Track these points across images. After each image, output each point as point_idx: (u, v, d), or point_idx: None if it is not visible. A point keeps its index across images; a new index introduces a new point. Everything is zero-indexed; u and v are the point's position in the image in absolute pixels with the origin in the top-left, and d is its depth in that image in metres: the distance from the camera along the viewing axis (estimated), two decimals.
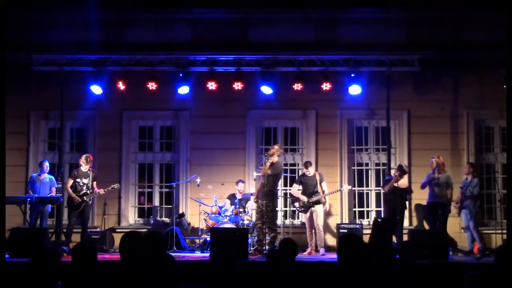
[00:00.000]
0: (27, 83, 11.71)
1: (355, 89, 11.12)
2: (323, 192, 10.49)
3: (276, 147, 10.07)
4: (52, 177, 10.79)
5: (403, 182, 10.35)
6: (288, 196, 11.50)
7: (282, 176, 10.87)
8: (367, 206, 12.00)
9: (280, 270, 5.14)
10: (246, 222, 10.46)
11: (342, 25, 11.78)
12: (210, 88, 11.17)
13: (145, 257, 4.67)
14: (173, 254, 8.23)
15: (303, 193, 10.45)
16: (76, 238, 10.34)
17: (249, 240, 9.65)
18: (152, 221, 12.07)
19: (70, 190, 10.32)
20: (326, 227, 11.14)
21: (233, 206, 10.61)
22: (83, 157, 10.49)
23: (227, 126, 11.89)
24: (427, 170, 10.48)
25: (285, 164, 11.88)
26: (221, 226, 10.17)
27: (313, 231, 10.34)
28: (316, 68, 11.20)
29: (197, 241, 10.98)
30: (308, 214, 10.41)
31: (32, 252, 4.61)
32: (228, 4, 11.72)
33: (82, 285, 4.26)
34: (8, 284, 4.56)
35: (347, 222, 11.59)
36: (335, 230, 11.18)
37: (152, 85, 11.15)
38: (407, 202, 10.60)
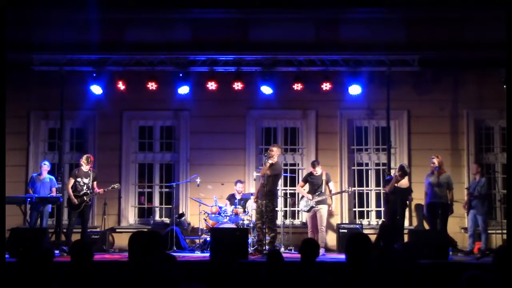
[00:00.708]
0: (27, 83, 11.71)
1: (355, 89, 11.12)
2: (330, 192, 10.49)
3: (274, 149, 10.08)
4: (53, 177, 10.80)
5: (404, 182, 10.36)
6: (288, 196, 11.53)
7: (282, 176, 10.89)
8: (367, 206, 12.00)
9: (281, 270, 5.14)
10: (246, 222, 10.46)
11: (342, 25, 11.78)
12: (210, 88, 11.17)
13: (154, 257, 4.69)
14: (173, 254, 8.22)
15: (309, 192, 10.46)
16: (76, 238, 10.31)
17: (249, 240, 9.66)
18: (152, 221, 12.07)
19: (70, 191, 10.32)
20: (327, 227, 11.13)
21: (233, 206, 10.62)
22: (84, 157, 10.50)
23: (227, 126, 11.89)
24: (427, 170, 10.49)
25: (285, 164, 11.89)
26: (221, 226, 10.18)
27: (315, 231, 10.33)
28: (316, 68, 11.20)
29: (197, 241, 10.99)
30: (311, 213, 10.41)
31: (19, 252, 4.65)
32: (228, 4, 11.72)
33: (80, 285, 4.27)
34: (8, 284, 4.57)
35: (347, 222, 11.60)
36: (335, 230, 11.18)
37: (152, 85, 11.16)
38: (407, 202, 10.59)
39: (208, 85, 11.15)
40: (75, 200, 10.21)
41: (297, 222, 11.76)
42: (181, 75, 11.16)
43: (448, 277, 7.47)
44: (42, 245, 8.92)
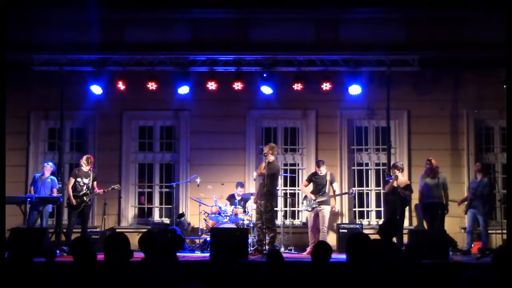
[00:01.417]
0: (27, 83, 11.71)
1: (355, 89, 11.12)
2: (334, 192, 10.49)
3: (265, 148, 10.09)
4: (54, 178, 10.79)
5: (403, 180, 10.36)
6: (288, 196, 11.52)
7: (282, 176, 10.87)
8: (367, 206, 12.00)
9: (281, 270, 5.14)
10: (246, 222, 10.46)
11: (342, 25, 11.78)
12: (210, 88, 11.17)
13: (162, 256, 4.75)
14: None
15: (312, 192, 10.45)
16: None
17: (249, 240, 9.66)
18: (152, 221, 12.07)
19: (70, 191, 10.32)
20: (328, 228, 11.13)
21: (233, 206, 10.62)
22: (84, 158, 10.50)
23: (227, 126, 11.89)
24: None
25: (285, 164, 11.90)
26: (221, 226, 10.18)
27: (315, 231, 10.31)
28: (316, 68, 11.20)
29: (197, 241, 10.98)
30: (313, 213, 10.40)
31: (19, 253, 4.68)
32: (228, 4, 11.72)
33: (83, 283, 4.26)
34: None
35: (347, 222, 11.60)
36: (335, 230, 11.18)
37: (152, 85, 11.16)
38: (407, 199, 10.55)
39: (208, 85, 11.15)
40: (74, 201, 10.22)
41: (297, 222, 11.75)
42: (181, 75, 11.16)
43: (448, 277, 7.47)
44: (42, 245, 8.92)
